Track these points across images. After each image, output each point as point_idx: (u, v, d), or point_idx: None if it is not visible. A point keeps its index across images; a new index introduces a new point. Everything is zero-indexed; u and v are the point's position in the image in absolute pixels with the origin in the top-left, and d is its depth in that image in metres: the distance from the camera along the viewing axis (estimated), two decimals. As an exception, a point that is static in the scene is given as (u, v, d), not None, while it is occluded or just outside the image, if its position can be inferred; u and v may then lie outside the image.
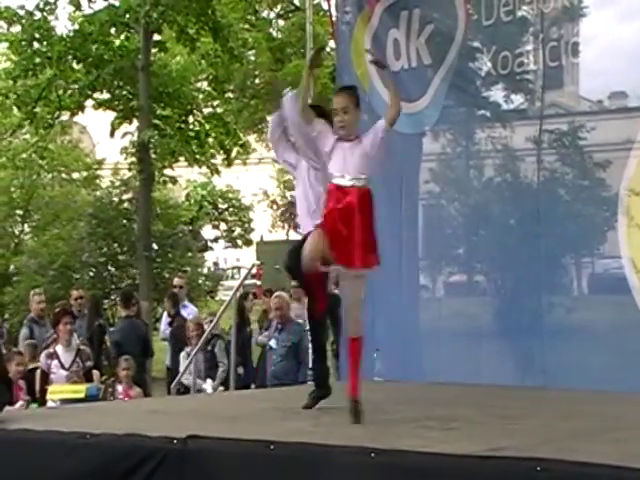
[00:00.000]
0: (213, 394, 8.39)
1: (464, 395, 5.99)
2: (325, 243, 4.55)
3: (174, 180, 17.64)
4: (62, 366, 8.30)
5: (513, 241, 7.07)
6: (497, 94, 7.47)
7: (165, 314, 11.01)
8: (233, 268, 29.80)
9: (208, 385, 8.76)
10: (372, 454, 3.67)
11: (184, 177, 25.50)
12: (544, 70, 7.01)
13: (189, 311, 10.49)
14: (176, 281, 10.87)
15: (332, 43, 11.68)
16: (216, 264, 30.55)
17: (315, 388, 5.42)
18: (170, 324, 10.44)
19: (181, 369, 8.96)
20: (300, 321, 8.56)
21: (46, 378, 8.22)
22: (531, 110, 7.29)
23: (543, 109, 7.14)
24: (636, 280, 6.48)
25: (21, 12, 14.61)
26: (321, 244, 4.54)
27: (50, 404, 7.88)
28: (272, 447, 3.94)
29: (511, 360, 6.80)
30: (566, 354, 6.46)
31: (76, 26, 14.93)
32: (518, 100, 7.45)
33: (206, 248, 27.24)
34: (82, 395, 7.93)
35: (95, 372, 8.70)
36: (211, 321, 9.02)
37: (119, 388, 8.79)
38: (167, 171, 17.50)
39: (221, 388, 8.75)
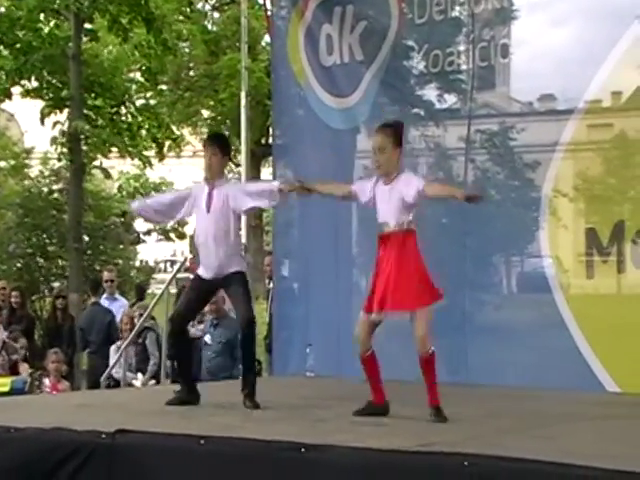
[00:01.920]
0: (143, 388, 8.30)
1: (394, 391, 6.02)
2: (366, 328, 4.82)
3: (107, 174, 17.37)
4: (-15, 359, 8.14)
5: (444, 240, 7.15)
6: (430, 93, 7.55)
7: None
8: (166, 261, 29.52)
9: (138, 380, 8.66)
10: (302, 449, 3.68)
11: (116, 168, 25.14)
12: (474, 70, 7.12)
13: (120, 304, 10.35)
14: (106, 275, 10.71)
15: (268, 37, 11.66)
16: (173, 255, 30.18)
17: (184, 391, 5.43)
18: None
19: (111, 361, 8.85)
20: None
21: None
22: (464, 110, 7.38)
23: (473, 109, 7.24)
24: (562, 279, 6.64)
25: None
26: (364, 332, 4.81)
27: (-27, 398, 7.70)
28: (202, 442, 3.93)
29: (440, 357, 6.86)
30: (494, 352, 6.57)
31: (2, 10, 14.56)
32: (451, 99, 7.54)
33: (138, 241, 26.92)
34: (7, 389, 7.79)
35: (24, 364, 8.55)
36: (141, 315, 8.93)
37: (47, 382, 8.64)
38: (100, 162, 17.23)
39: (152, 382, 8.66)
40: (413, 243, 4.82)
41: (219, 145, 5.59)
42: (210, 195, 5.41)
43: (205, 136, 5.97)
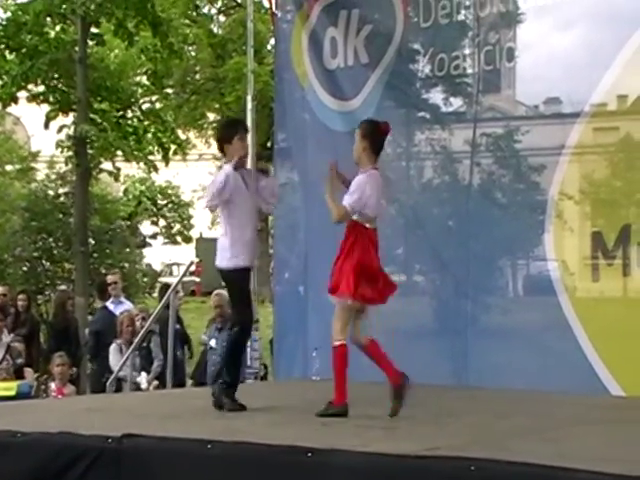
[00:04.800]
0: (149, 392, 8.31)
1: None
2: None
3: (116, 176, 17.38)
4: (-9, 362, 8.15)
5: (451, 242, 7.16)
6: (436, 96, 7.56)
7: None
8: (172, 265, 29.52)
9: (143, 378, 8.67)
10: (309, 453, 3.68)
11: (122, 172, 25.16)
12: (480, 73, 7.13)
13: (125, 307, 10.34)
14: (109, 278, 10.70)
15: (274, 41, 11.66)
16: (170, 260, 30.19)
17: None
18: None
19: (111, 361, 8.85)
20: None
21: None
22: (469, 113, 7.40)
23: (479, 112, 7.25)
24: (567, 282, 6.64)
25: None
26: None
27: (-21, 402, 7.70)
28: (209, 446, 3.93)
29: (448, 360, 6.88)
30: (498, 354, 6.57)
31: (9, 14, 14.61)
32: (457, 103, 7.55)
33: (144, 244, 26.93)
34: (13, 393, 7.80)
35: (28, 370, 8.54)
36: (143, 317, 8.94)
37: (53, 386, 8.64)
38: (106, 165, 17.28)
39: (155, 382, 8.67)
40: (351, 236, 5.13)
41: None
42: (244, 179, 5.50)
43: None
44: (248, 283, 5.61)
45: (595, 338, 6.23)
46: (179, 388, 8.56)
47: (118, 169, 17.20)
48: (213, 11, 20.69)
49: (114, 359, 8.83)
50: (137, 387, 8.50)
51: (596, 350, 6.21)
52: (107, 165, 17.33)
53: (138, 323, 8.86)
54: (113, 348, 8.96)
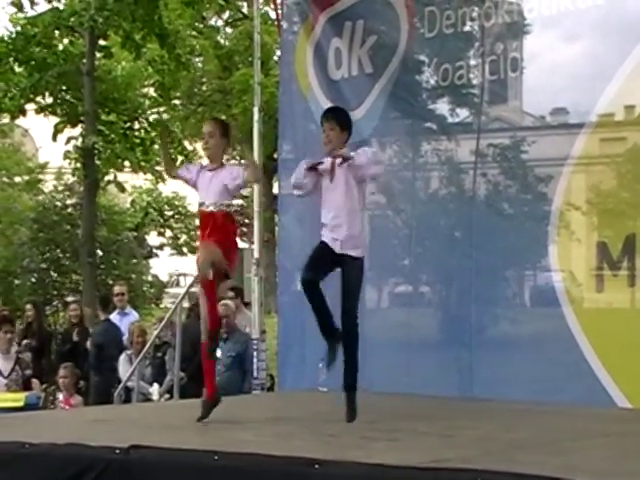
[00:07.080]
0: (157, 403, 8.32)
1: (408, 406, 6.04)
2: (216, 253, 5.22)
3: (122, 188, 17.46)
4: (0, 374, 8.15)
5: (457, 253, 7.15)
6: (443, 107, 7.56)
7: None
8: (179, 275, 29.56)
9: (155, 390, 8.68)
10: (316, 465, 3.68)
11: (129, 183, 25.27)
12: (484, 84, 7.14)
13: (131, 318, 10.35)
14: (116, 289, 10.70)
15: (280, 52, 11.69)
16: (176, 270, 30.24)
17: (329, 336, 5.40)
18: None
19: (120, 372, 8.86)
20: (247, 330, 8.50)
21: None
22: (476, 124, 7.40)
23: (483, 123, 7.25)
24: (573, 293, 6.63)
25: (-41, 12, 14.38)
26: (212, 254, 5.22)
27: (-13, 413, 7.72)
28: (216, 457, 3.94)
29: (454, 371, 6.87)
30: (505, 366, 6.55)
31: (18, 28, 14.72)
32: (463, 113, 7.56)
33: (151, 255, 27.00)
34: (21, 404, 7.81)
35: (35, 381, 8.56)
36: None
37: (60, 396, 8.66)
38: (114, 175, 17.36)
39: (167, 395, 8.68)
40: (230, 224, 5.39)
41: (337, 119, 5.50)
42: (332, 167, 5.35)
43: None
44: (318, 251, 5.46)
45: (601, 349, 6.21)
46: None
47: (120, 184, 17.27)
48: (220, 23, 20.78)
49: (123, 369, 8.85)
50: (146, 398, 8.50)
51: (602, 361, 6.19)
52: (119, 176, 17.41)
53: (156, 332, 8.85)
54: (123, 358, 8.97)
